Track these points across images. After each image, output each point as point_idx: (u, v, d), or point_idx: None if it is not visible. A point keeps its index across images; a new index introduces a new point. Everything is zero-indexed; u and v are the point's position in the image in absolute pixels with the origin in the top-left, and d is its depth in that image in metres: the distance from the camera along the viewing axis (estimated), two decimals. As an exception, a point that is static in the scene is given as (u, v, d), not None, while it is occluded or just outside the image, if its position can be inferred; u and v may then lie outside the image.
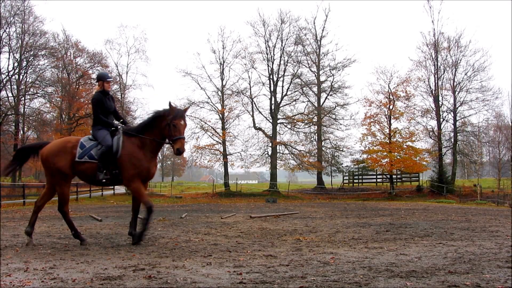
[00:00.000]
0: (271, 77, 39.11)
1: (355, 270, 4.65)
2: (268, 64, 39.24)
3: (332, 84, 40.68)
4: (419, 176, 40.24)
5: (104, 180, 7.13)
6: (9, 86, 33.82)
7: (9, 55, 33.42)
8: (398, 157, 34.31)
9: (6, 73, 33.33)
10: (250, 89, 39.38)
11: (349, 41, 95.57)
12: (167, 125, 6.98)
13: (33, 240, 7.13)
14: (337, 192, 38.14)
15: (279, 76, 39.28)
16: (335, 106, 40.97)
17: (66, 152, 7.28)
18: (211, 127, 38.91)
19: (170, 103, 7.16)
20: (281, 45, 39.03)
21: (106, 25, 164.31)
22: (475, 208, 19.49)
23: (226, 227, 9.85)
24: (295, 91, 40.22)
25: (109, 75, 7.67)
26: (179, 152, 6.88)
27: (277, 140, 38.57)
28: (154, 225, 10.51)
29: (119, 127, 7.44)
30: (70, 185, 7.66)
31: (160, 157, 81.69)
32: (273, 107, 38.84)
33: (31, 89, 34.78)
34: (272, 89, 39.05)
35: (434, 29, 36.98)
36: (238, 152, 39.66)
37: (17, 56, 33.36)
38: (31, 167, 49.43)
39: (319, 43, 40.81)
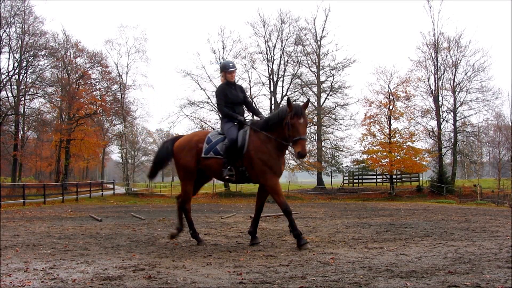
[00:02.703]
0: (271, 77, 39.13)
1: (355, 270, 4.64)
2: (268, 64, 39.26)
3: (332, 84, 40.70)
4: (419, 176, 40.23)
5: (227, 177, 6.68)
6: (9, 86, 33.83)
7: (9, 55, 33.48)
8: (398, 157, 34.29)
9: (6, 73, 33.35)
10: (250, 89, 39.38)
11: (349, 41, 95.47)
12: (286, 125, 6.28)
13: (201, 240, 7.09)
14: (337, 192, 38.13)
15: (279, 76, 39.30)
16: (335, 106, 40.98)
17: (192, 148, 6.95)
18: (211, 127, 38.92)
19: (288, 99, 6.50)
20: (281, 45, 39.07)
21: (106, 25, 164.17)
22: (475, 208, 19.49)
23: (226, 227, 9.85)
24: (295, 91, 40.24)
25: (231, 64, 7.12)
26: (300, 155, 6.13)
27: (277, 140, 38.49)
28: (154, 225, 10.52)
29: (246, 120, 6.89)
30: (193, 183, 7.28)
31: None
32: (273, 107, 38.83)
33: (31, 89, 34.78)
34: (272, 89, 39.07)
35: (434, 29, 37.00)
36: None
37: (17, 56, 33.39)
38: (31, 167, 49.52)
39: (319, 43, 40.83)
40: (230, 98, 6.94)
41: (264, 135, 6.53)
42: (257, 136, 6.59)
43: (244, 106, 7.22)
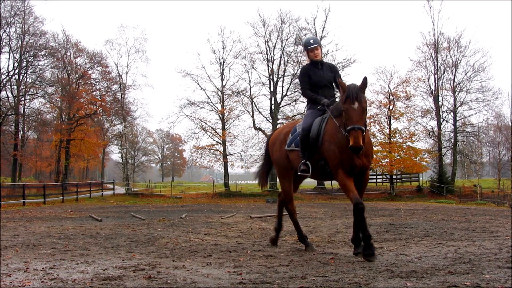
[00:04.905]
0: (271, 77, 39.12)
1: (355, 270, 4.64)
2: (268, 64, 39.24)
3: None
4: (419, 176, 40.22)
5: (300, 172, 5.80)
6: (9, 86, 33.84)
7: (9, 55, 33.51)
8: (398, 157, 34.29)
9: (6, 73, 33.36)
10: (250, 90, 39.40)
11: (349, 41, 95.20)
12: (342, 111, 5.19)
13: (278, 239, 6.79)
14: (337, 193, 38.07)
15: (279, 76, 39.28)
16: (335, 106, 40.88)
17: (280, 140, 6.31)
18: (211, 127, 38.94)
19: (339, 80, 5.56)
20: (281, 45, 39.05)
21: (106, 25, 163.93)
22: (475, 208, 19.49)
23: (226, 228, 9.84)
24: (295, 91, 40.17)
25: (311, 40, 6.15)
26: (353, 150, 4.93)
27: (277, 141, 38.46)
28: (154, 225, 10.51)
29: (332, 102, 5.82)
30: (292, 180, 6.51)
31: (160, 157, 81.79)
32: (273, 107, 38.84)
33: (31, 89, 34.80)
34: (272, 89, 39.06)
35: (434, 29, 36.96)
36: (238, 153, 39.68)
37: (17, 56, 33.41)
38: (31, 167, 49.52)
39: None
40: (314, 79, 6.05)
41: (340, 119, 5.40)
42: (333, 122, 5.50)
43: (334, 87, 6.25)
